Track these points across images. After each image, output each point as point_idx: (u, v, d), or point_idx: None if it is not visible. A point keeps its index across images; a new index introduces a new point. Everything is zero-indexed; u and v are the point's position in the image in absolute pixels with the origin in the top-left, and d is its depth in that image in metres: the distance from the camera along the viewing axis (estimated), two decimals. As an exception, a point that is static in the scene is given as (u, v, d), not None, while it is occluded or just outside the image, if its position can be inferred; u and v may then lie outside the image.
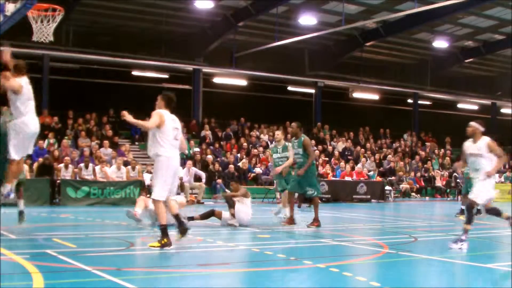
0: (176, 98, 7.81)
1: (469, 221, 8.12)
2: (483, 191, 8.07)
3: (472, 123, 8.39)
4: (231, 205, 10.47)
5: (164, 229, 7.43)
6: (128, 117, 7.47)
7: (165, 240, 7.38)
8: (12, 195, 8.52)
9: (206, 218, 10.88)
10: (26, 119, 8.25)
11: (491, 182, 8.18)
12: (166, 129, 7.54)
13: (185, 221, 7.89)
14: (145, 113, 28.19)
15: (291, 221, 10.88)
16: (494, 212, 8.41)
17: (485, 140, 8.22)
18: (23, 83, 8.20)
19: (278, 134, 12.70)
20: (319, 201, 11.36)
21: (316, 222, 10.75)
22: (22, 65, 8.36)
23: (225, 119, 26.70)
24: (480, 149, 8.17)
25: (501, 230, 11.26)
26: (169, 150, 7.56)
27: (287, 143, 12.53)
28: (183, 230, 7.70)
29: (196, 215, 10.77)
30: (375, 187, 21.34)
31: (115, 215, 12.77)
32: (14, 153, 8.22)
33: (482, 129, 8.35)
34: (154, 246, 7.35)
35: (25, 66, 8.44)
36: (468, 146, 8.38)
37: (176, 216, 7.74)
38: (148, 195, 10.62)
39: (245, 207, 10.64)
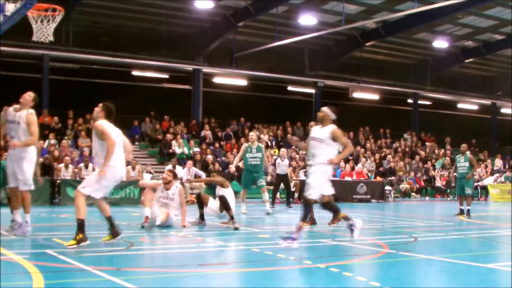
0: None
1: (304, 217, 7.71)
2: (318, 185, 7.62)
3: (324, 108, 7.97)
4: (227, 207, 10.29)
5: (81, 224, 7.34)
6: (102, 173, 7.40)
7: (81, 235, 7.27)
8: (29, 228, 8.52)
9: (200, 204, 10.67)
10: (33, 148, 8.47)
11: (327, 174, 7.72)
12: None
13: (118, 225, 7.80)
14: (145, 113, 28.10)
15: (312, 221, 11.07)
16: (330, 207, 7.89)
17: (332, 127, 7.79)
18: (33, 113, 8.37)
19: (253, 135, 13.70)
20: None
21: (336, 219, 10.98)
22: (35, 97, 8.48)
23: (225, 119, 26.70)
24: (324, 134, 7.75)
25: (501, 230, 11.25)
26: (114, 160, 7.48)
27: (260, 145, 13.58)
28: (115, 233, 7.66)
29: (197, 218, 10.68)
30: (375, 187, 21.34)
31: (115, 215, 12.76)
32: (31, 183, 8.37)
33: (333, 116, 7.89)
34: (71, 245, 7.21)
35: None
36: (314, 129, 7.98)
37: (109, 219, 7.68)
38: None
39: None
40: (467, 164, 14.45)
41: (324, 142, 7.68)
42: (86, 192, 7.43)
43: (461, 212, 14.35)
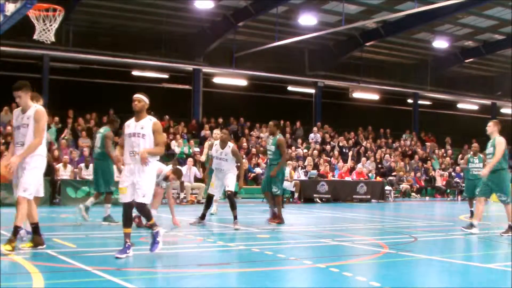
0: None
1: (125, 223, 6.94)
2: (150, 186, 6.82)
3: (139, 95, 7.05)
4: (234, 206, 10.32)
5: (35, 228, 7.21)
6: (18, 158, 6.86)
7: (37, 238, 7.19)
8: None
9: (207, 204, 10.76)
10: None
11: (153, 171, 6.90)
12: (45, 127, 7.25)
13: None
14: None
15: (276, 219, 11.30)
16: (145, 213, 7.07)
17: (153, 119, 6.93)
18: None
19: (217, 133, 13.66)
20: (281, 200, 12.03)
21: (278, 219, 11.16)
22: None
23: (225, 119, 26.69)
24: (145, 129, 6.82)
25: (501, 230, 11.24)
26: (44, 149, 7.24)
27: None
28: (38, 241, 7.24)
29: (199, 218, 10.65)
30: (375, 187, 21.34)
31: (115, 215, 12.76)
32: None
33: (148, 102, 7.04)
34: (26, 247, 7.10)
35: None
36: (130, 124, 6.99)
37: (35, 225, 7.35)
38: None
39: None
40: (481, 165, 13.44)
41: (145, 137, 6.78)
42: (31, 197, 7.11)
43: (472, 214, 13.69)
